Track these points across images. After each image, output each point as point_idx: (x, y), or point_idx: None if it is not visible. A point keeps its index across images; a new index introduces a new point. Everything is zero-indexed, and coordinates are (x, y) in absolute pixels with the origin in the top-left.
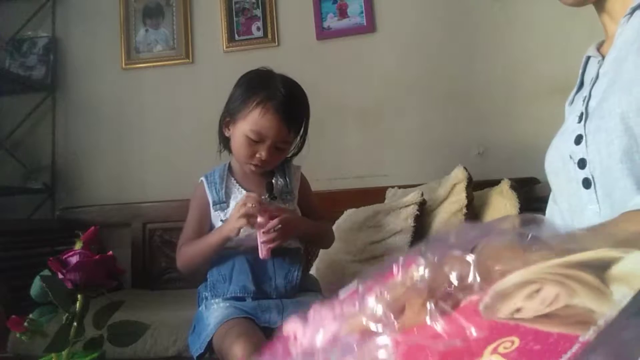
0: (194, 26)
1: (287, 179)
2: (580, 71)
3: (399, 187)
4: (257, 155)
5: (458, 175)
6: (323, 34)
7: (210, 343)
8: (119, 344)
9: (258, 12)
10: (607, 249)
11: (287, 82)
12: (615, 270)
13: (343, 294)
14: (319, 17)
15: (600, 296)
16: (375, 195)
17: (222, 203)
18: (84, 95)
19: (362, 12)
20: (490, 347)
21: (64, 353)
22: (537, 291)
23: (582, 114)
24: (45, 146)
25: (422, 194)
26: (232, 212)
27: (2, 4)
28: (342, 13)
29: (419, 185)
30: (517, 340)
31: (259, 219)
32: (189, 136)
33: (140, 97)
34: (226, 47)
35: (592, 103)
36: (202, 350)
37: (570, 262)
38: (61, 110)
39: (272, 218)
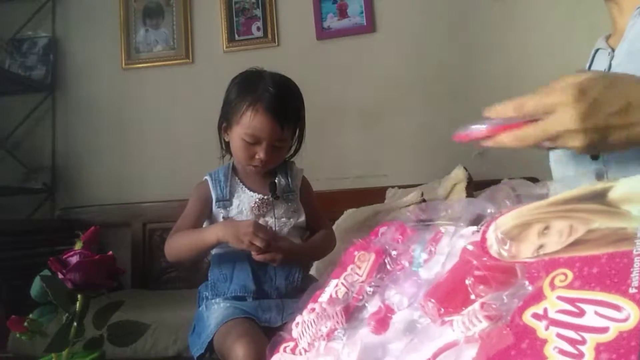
0: (194, 26)
1: (289, 179)
2: (588, 64)
3: (399, 187)
4: (257, 157)
5: (458, 175)
6: (323, 34)
7: (210, 343)
8: (119, 344)
9: (258, 12)
10: (590, 184)
11: (276, 81)
12: (613, 195)
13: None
14: (319, 17)
15: (620, 216)
16: (375, 195)
17: (226, 201)
18: (84, 95)
19: (362, 12)
20: (546, 285)
21: (64, 353)
22: (546, 229)
23: None
24: (45, 146)
25: (422, 194)
26: (242, 229)
27: (2, 4)
28: (342, 13)
29: (419, 185)
30: (568, 271)
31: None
32: (189, 136)
33: (140, 97)
34: (226, 47)
35: None
36: (203, 351)
37: (563, 199)
38: (61, 110)
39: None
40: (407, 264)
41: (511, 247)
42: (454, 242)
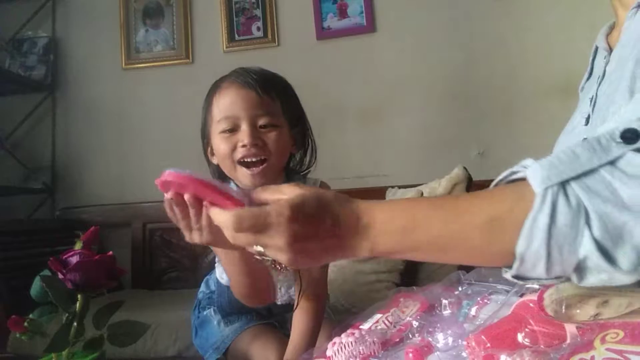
0: (194, 26)
1: None
2: (591, 58)
3: (399, 187)
4: (239, 144)
5: (458, 175)
6: (323, 34)
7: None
8: (119, 344)
9: (258, 12)
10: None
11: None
12: None
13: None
14: (319, 17)
15: None
16: (375, 195)
17: None
18: (84, 95)
19: (362, 12)
20: (597, 340)
21: (64, 353)
22: (605, 302)
23: (589, 116)
24: (45, 146)
25: (422, 194)
26: None
27: (2, 4)
28: (342, 13)
29: (419, 185)
30: (620, 331)
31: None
32: (189, 136)
33: (141, 97)
34: (226, 47)
35: (598, 105)
36: (219, 355)
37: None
38: (61, 110)
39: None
40: (455, 312)
41: (569, 310)
42: (507, 297)
